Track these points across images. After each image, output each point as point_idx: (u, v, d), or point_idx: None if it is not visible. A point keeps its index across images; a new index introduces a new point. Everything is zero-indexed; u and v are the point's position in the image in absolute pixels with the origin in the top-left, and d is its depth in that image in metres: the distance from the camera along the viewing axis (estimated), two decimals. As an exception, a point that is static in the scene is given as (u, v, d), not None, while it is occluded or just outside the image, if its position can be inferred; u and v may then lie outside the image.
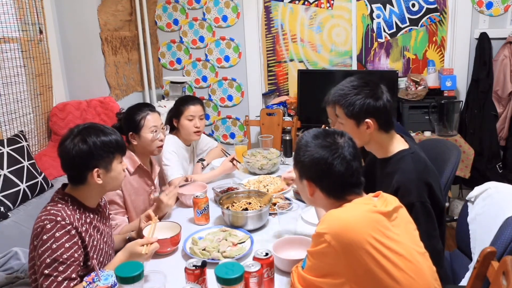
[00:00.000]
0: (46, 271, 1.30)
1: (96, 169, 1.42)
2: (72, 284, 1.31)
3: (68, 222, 1.35)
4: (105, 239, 1.54)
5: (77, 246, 1.36)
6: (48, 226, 1.32)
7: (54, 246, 1.31)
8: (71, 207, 1.42)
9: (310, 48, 3.62)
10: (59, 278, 1.30)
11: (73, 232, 1.36)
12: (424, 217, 1.42)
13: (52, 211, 1.36)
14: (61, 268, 1.30)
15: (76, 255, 1.34)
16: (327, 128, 1.29)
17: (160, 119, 2.09)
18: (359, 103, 1.49)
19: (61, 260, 1.31)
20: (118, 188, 1.59)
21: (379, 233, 1.10)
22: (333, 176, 1.20)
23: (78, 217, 1.41)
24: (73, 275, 1.32)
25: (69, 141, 1.41)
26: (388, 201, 1.21)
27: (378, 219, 1.13)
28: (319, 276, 1.14)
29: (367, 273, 1.08)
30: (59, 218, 1.34)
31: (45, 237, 1.31)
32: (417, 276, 1.12)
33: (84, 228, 1.42)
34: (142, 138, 2.00)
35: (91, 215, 1.49)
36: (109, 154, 1.44)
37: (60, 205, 1.39)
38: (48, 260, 1.30)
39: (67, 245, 1.33)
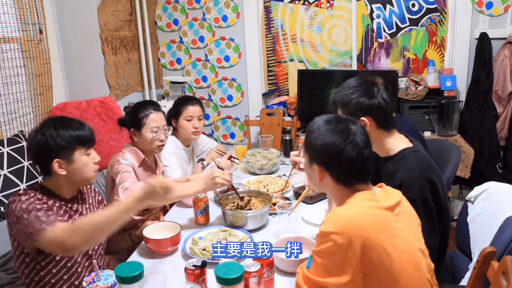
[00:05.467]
0: (36, 227, 1.32)
1: (56, 160, 1.44)
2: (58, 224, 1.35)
3: (34, 196, 1.40)
4: None
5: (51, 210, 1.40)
6: (16, 205, 1.36)
7: (31, 214, 1.34)
8: (40, 195, 1.44)
9: (310, 48, 3.62)
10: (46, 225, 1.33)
11: (43, 201, 1.41)
12: (424, 213, 1.43)
13: (16, 195, 1.40)
14: (43, 218, 1.34)
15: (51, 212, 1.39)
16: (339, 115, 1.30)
17: (164, 119, 2.09)
18: (353, 102, 1.53)
19: (41, 214, 1.34)
20: (89, 180, 1.55)
21: (382, 230, 1.11)
22: (344, 161, 1.19)
23: (50, 203, 1.45)
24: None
25: (32, 133, 1.47)
26: (390, 193, 1.22)
27: (382, 215, 1.15)
28: (324, 275, 1.14)
29: (372, 270, 1.10)
30: (22, 192, 1.40)
31: (17, 213, 1.35)
32: (416, 271, 1.14)
33: (54, 210, 1.44)
34: (143, 136, 2.01)
35: (63, 202, 1.51)
36: (67, 145, 1.45)
37: (27, 191, 1.43)
38: (32, 222, 1.33)
39: (38, 206, 1.37)
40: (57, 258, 1.46)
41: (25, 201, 1.36)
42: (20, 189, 2.09)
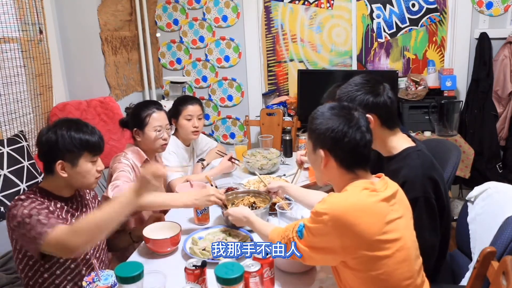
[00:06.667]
0: (38, 230, 1.32)
1: (60, 161, 1.44)
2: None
3: (35, 200, 1.40)
4: None
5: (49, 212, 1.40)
6: (17, 210, 1.36)
7: (33, 219, 1.34)
8: (39, 195, 1.46)
9: (310, 48, 3.62)
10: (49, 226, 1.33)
11: (45, 205, 1.41)
12: (426, 212, 1.44)
13: (16, 200, 1.41)
14: (44, 221, 1.33)
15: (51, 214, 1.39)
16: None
17: (166, 118, 2.10)
18: (359, 99, 1.53)
19: (42, 217, 1.34)
20: (89, 186, 1.57)
21: (375, 219, 1.14)
22: (348, 144, 1.22)
23: (51, 205, 1.46)
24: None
25: (45, 130, 1.48)
26: (388, 184, 1.25)
27: (378, 206, 1.17)
28: (314, 251, 1.20)
29: (360, 255, 1.14)
30: (23, 197, 1.40)
31: (19, 219, 1.35)
32: (404, 261, 1.18)
33: (56, 213, 1.45)
34: (146, 135, 2.02)
35: (63, 202, 1.52)
36: (75, 149, 1.45)
37: (27, 195, 1.44)
38: (35, 226, 1.32)
39: (39, 211, 1.36)
40: (61, 260, 1.46)
41: (27, 206, 1.36)
42: (20, 189, 2.09)
